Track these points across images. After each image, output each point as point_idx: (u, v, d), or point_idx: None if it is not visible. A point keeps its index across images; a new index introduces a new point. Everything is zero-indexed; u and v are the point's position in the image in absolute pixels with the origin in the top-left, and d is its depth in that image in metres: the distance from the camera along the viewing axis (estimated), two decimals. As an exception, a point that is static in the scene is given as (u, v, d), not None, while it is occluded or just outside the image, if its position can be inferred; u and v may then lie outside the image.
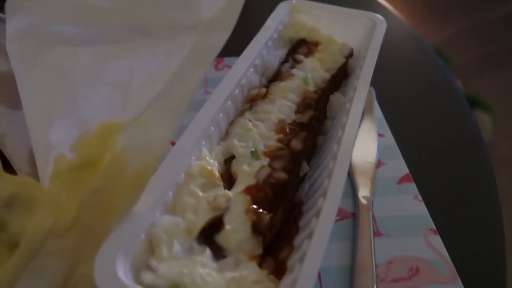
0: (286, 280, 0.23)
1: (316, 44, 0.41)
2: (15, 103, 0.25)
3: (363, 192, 0.33)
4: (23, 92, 0.25)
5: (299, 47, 0.40)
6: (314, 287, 0.21)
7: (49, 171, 0.23)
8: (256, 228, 0.25)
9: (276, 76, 0.37)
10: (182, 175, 0.27)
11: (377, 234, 0.30)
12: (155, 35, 0.26)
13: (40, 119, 0.24)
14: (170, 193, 0.26)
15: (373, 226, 0.31)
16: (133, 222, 0.23)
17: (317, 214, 0.24)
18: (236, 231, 0.25)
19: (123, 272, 0.21)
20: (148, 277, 0.22)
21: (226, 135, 0.32)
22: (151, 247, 0.23)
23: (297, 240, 0.26)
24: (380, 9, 0.58)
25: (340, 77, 0.39)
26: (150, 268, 0.22)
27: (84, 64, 0.25)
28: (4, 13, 0.30)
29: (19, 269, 0.21)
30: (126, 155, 0.24)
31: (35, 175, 0.23)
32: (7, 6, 0.30)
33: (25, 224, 0.21)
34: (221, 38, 0.24)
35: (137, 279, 0.22)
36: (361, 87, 0.34)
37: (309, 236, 0.24)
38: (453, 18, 1.76)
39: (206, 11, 0.25)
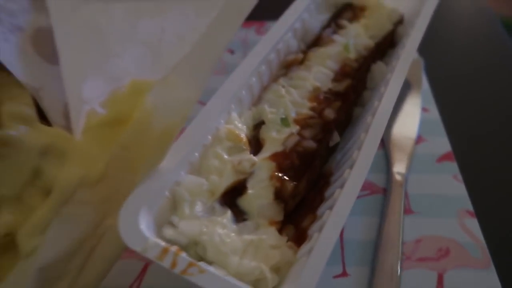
0: (304, 248, 0.23)
1: (362, 8, 0.38)
2: (53, 57, 0.26)
3: (398, 167, 0.31)
4: (60, 47, 0.26)
5: (344, 12, 0.38)
6: (329, 257, 0.21)
7: (81, 125, 0.24)
8: (279, 195, 0.25)
9: (316, 42, 0.36)
10: (209, 137, 0.27)
11: (408, 211, 0.29)
12: (187, -6, 0.26)
13: (75, 74, 0.25)
14: (196, 154, 0.26)
15: (404, 203, 0.29)
16: (158, 179, 0.23)
17: (342, 185, 0.24)
18: (259, 196, 0.25)
19: (145, 226, 0.22)
20: (169, 232, 0.22)
21: (258, 100, 0.31)
22: (174, 205, 0.24)
23: (320, 210, 0.25)
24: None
25: (386, 46, 0.37)
26: (171, 224, 0.23)
27: (117, 21, 0.26)
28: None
29: (50, 214, 0.22)
30: (154, 113, 0.24)
31: (68, 128, 0.24)
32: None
33: (58, 173, 0.22)
34: (251, 0, 0.23)
35: (159, 233, 0.23)
36: (405, 56, 0.31)
37: (331, 206, 0.23)
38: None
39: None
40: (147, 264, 0.28)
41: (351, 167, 0.25)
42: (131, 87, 0.25)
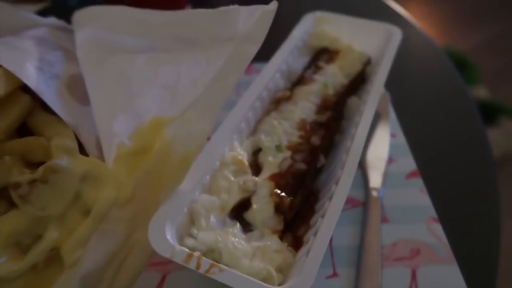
0: (302, 251, 0.28)
1: (337, 52, 0.45)
2: (84, 100, 0.31)
3: (374, 184, 0.37)
4: (91, 91, 0.31)
5: (321, 55, 0.45)
6: (323, 257, 0.26)
7: (112, 155, 0.28)
8: (278, 208, 0.30)
9: (300, 81, 0.42)
10: (217, 162, 0.32)
11: (384, 220, 0.34)
12: (199, 46, 0.31)
13: (105, 113, 0.30)
14: (208, 177, 0.31)
15: (381, 213, 0.35)
16: (178, 199, 0.28)
17: (330, 198, 0.29)
18: (262, 210, 0.30)
19: (170, 236, 0.26)
20: (190, 241, 0.27)
21: (254, 131, 0.37)
22: (191, 220, 0.29)
23: (312, 220, 0.30)
24: (401, 21, 0.62)
25: (358, 82, 0.43)
26: (191, 235, 0.28)
27: (140, 69, 0.31)
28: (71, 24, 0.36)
29: (90, 230, 0.26)
30: (173, 144, 0.29)
31: (101, 157, 0.28)
32: (74, 20, 0.36)
33: (95, 195, 0.27)
34: (253, 49, 0.29)
35: (181, 243, 0.27)
36: (374, 92, 0.38)
37: (322, 215, 0.28)
38: (483, 25, 1.76)
39: (241, 27, 0.30)
40: (164, 276, 0.32)
41: (336, 183, 0.30)
42: (152, 122, 0.30)
